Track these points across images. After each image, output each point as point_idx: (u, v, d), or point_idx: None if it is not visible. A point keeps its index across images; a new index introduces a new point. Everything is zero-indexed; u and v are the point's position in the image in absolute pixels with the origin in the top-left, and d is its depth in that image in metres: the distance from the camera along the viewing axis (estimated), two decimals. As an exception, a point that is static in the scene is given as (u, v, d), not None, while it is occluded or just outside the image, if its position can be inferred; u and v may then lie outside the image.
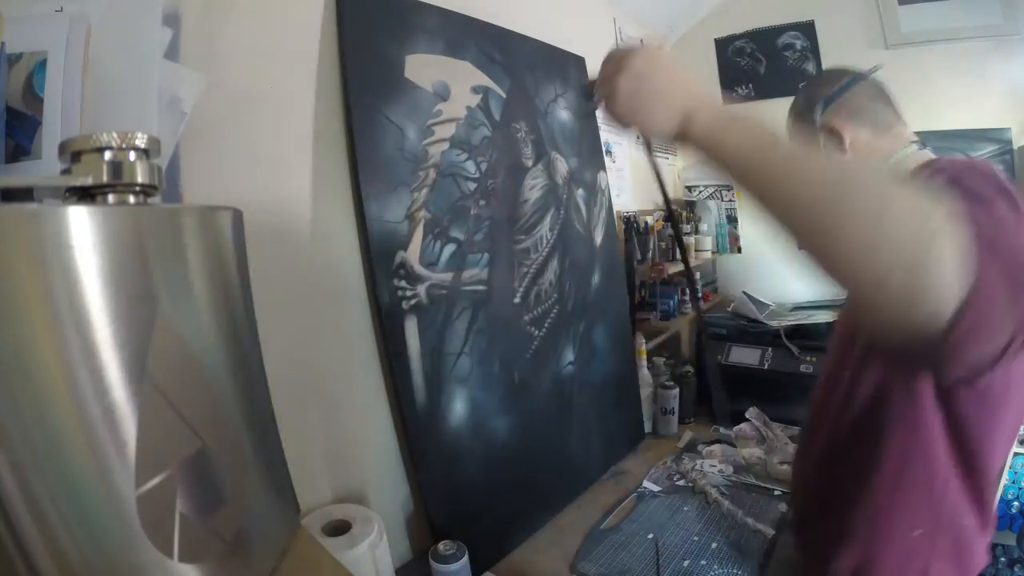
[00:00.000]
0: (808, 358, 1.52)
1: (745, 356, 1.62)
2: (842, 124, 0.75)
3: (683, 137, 0.54)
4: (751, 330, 1.65)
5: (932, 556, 0.69)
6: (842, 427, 0.75)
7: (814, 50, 1.92)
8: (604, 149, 1.52)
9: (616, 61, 0.56)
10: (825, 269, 0.45)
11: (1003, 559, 1.75)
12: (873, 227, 0.41)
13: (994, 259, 0.42)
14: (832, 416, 0.77)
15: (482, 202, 1.10)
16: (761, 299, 1.76)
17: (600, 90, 0.58)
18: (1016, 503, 1.73)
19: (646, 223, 1.67)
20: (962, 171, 0.54)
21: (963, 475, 0.66)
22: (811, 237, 0.46)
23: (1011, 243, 0.45)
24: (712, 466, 1.33)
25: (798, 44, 1.95)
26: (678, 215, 1.84)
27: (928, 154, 0.75)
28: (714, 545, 1.05)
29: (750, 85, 2.06)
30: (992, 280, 0.42)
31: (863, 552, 0.71)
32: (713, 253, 1.98)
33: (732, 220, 2.10)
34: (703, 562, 1.00)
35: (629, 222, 1.62)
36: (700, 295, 1.65)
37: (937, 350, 0.46)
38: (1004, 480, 1.70)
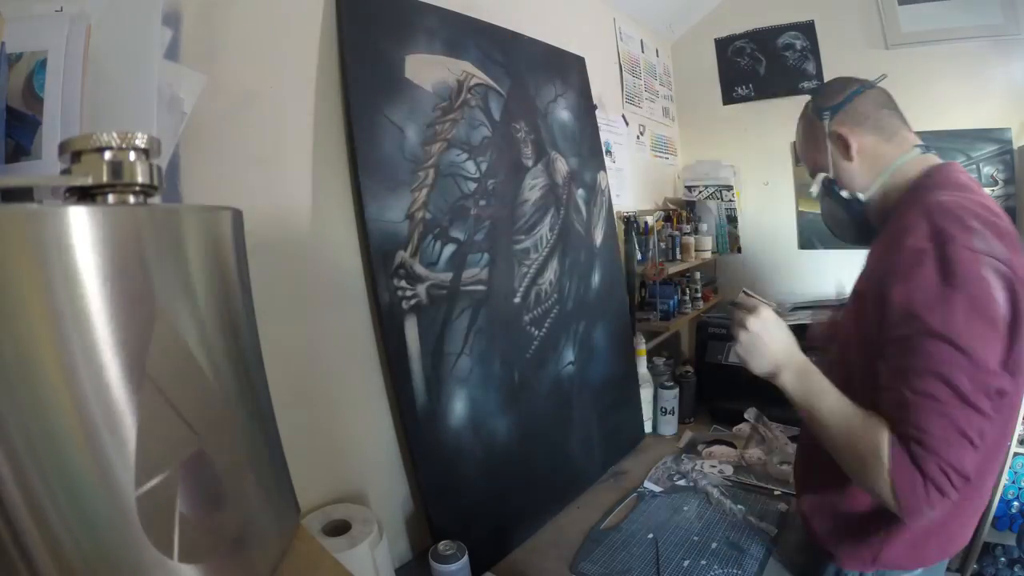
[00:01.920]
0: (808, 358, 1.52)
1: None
2: (848, 131, 0.80)
3: (773, 380, 0.78)
4: (751, 330, 1.65)
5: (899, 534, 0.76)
6: None
7: (814, 50, 1.92)
8: (604, 149, 1.52)
9: (739, 318, 0.81)
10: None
11: (1003, 559, 1.75)
12: (857, 468, 0.70)
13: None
14: None
15: (482, 202, 1.10)
16: (761, 299, 1.76)
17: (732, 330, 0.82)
18: (1016, 503, 1.73)
19: (646, 223, 1.67)
20: (951, 260, 0.63)
21: None
22: (836, 457, 0.73)
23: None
24: (712, 466, 1.33)
25: (798, 44, 1.95)
26: (677, 214, 1.84)
27: (932, 158, 0.79)
28: (714, 545, 1.04)
29: (750, 85, 2.06)
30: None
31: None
32: (713, 253, 1.98)
33: (732, 220, 2.10)
34: (703, 562, 1.00)
35: (629, 222, 1.62)
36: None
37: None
38: (1004, 480, 1.70)
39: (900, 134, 0.80)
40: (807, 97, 0.90)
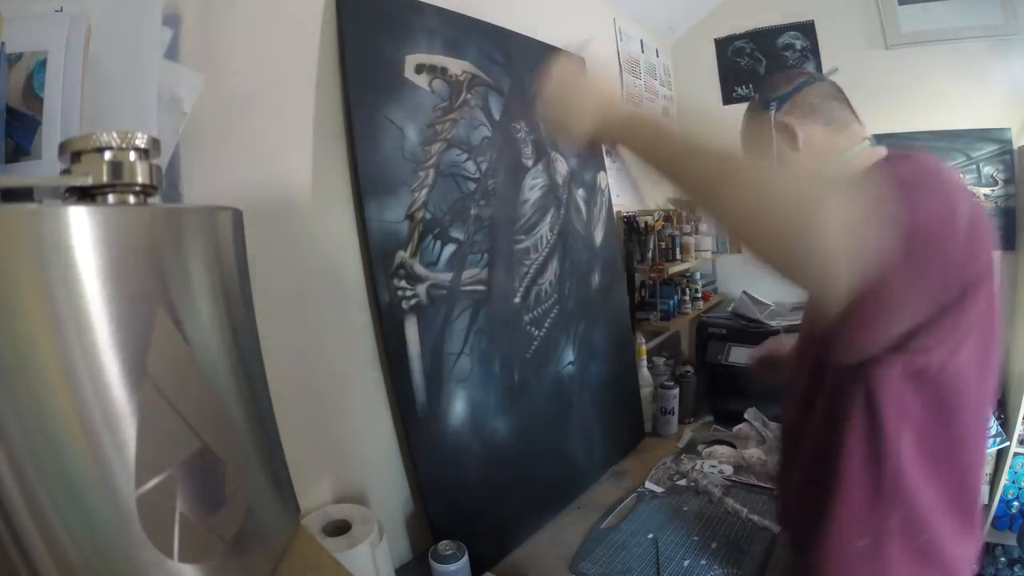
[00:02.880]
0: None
1: (745, 356, 1.62)
2: (795, 121, 0.77)
3: (600, 138, 0.60)
4: (751, 330, 1.65)
5: (889, 562, 0.67)
6: (808, 432, 0.75)
7: (814, 50, 1.92)
8: (604, 149, 1.52)
9: (540, 77, 0.62)
10: (724, 230, 0.58)
11: (1003, 559, 1.75)
12: (756, 198, 0.46)
13: (901, 240, 0.46)
14: (800, 422, 0.77)
15: (482, 202, 1.10)
16: (761, 299, 1.76)
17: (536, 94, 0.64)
18: (1016, 503, 1.73)
19: (646, 223, 1.67)
20: (907, 163, 0.59)
21: (925, 475, 0.65)
22: (711, 206, 0.53)
23: (925, 229, 0.50)
24: (712, 466, 1.33)
25: (798, 44, 1.95)
26: (678, 215, 1.84)
27: (882, 150, 0.76)
28: (714, 545, 1.04)
29: (750, 85, 2.06)
30: (895, 258, 0.46)
31: (823, 555, 0.71)
32: (713, 253, 1.98)
33: (732, 220, 2.10)
34: (703, 562, 1.00)
35: (629, 222, 1.62)
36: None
37: (845, 325, 0.51)
38: (1004, 480, 1.70)
39: (851, 127, 0.78)
40: None
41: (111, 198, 0.38)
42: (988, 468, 1.74)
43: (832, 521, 0.68)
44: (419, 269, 0.98)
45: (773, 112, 0.78)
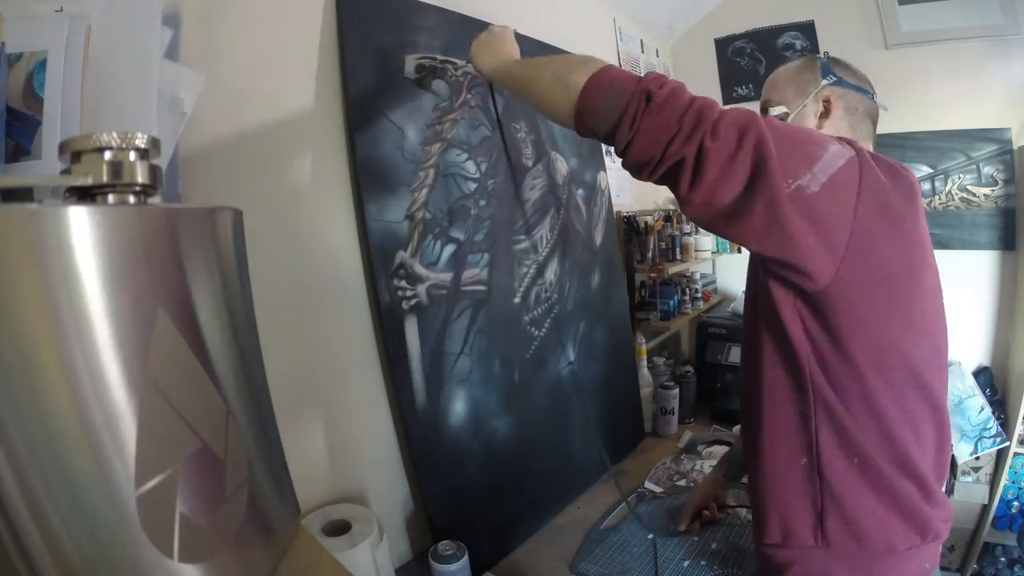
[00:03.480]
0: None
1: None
2: (835, 106, 0.78)
3: (495, 76, 0.84)
4: (751, 330, 1.65)
5: (821, 496, 0.69)
6: (747, 395, 0.79)
7: (814, 50, 1.92)
8: (604, 149, 1.52)
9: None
10: (544, 113, 0.73)
11: (1003, 559, 1.75)
12: (560, 89, 0.67)
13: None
14: (746, 390, 0.80)
15: (482, 202, 1.10)
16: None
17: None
18: (1016, 503, 1.73)
19: (646, 223, 1.67)
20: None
21: (838, 398, 0.67)
22: (542, 101, 0.72)
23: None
24: (712, 465, 1.33)
25: (798, 44, 1.95)
26: (677, 214, 1.84)
27: None
28: (714, 545, 1.05)
29: (750, 85, 2.06)
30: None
31: (767, 486, 0.74)
32: (713, 253, 1.98)
33: (732, 220, 2.10)
34: (703, 562, 1.00)
35: (629, 222, 1.62)
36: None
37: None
38: (1004, 480, 1.70)
39: (865, 144, 0.78)
40: None
41: (111, 198, 0.38)
42: (988, 468, 1.74)
43: (769, 442, 0.73)
44: (419, 269, 0.98)
45: (827, 81, 0.79)
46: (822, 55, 0.83)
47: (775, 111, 0.81)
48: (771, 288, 0.68)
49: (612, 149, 0.66)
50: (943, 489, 0.73)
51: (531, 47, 1.29)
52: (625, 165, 0.66)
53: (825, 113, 0.78)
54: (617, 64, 1.76)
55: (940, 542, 0.72)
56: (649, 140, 0.60)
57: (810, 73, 0.81)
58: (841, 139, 0.65)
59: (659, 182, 0.63)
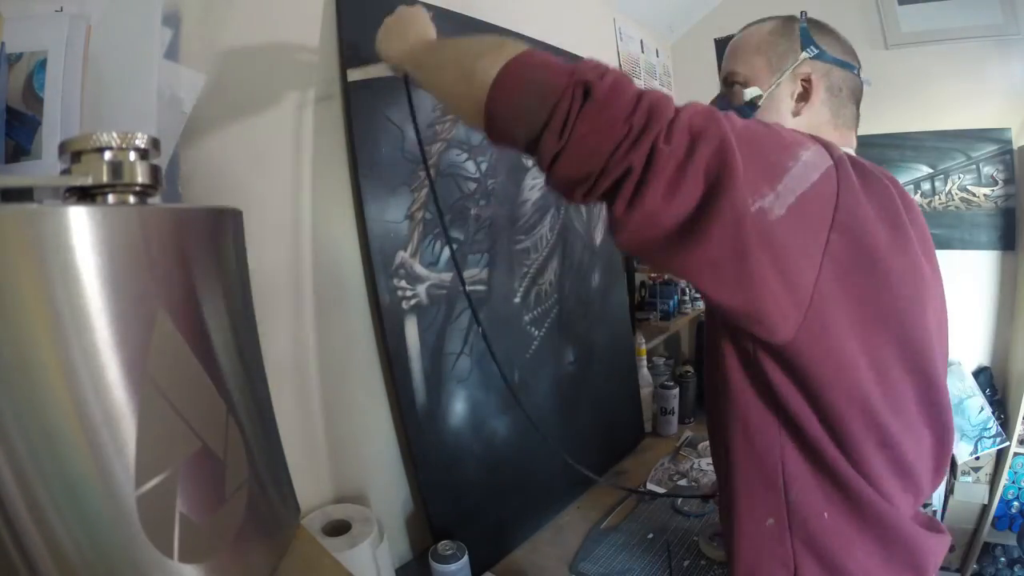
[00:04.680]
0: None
1: None
2: (815, 85, 0.66)
3: (402, 65, 0.71)
4: (751, 330, 1.65)
5: (795, 556, 0.59)
6: (712, 420, 0.69)
7: (814, 50, 1.92)
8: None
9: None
10: (450, 112, 0.66)
11: (1003, 559, 1.75)
12: (464, 84, 0.53)
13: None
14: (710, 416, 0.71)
15: (482, 202, 1.10)
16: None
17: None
18: (1016, 503, 1.73)
19: (646, 223, 1.67)
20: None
21: (802, 461, 0.58)
22: (446, 97, 0.62)
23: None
24: (710, 464, 1.33)
25: (798, 44, 1.95)
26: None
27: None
28: (715, 545, 1.04)
29: (750, 85, 2.06)
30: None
31: (735, 547, 0.64)
32: (713, 253, 1.98)
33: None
34: (703, 562, 1.00)
35: (629, 222, 1.62)
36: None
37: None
38: (1004, 480, 1.70)
39: (847, 133, 0.69)
40: None
41: (111, 198, 0.38)
42: (988, 468, 1.74)
43: (737, 496, 0.62)
44: (419, 269, 0.98)
45: (807, 54, 0.66)
46: (800, 16, 0.69)
47: (748, 93, 0.67)
48: (728, 333, 0.58)
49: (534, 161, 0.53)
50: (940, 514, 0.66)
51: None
52: (551, 183, 0.51)
53: (804, 95, 0.66)
54: (617, 65, 1.76)
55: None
56: (587, 149, 0.45)
57: (786, 42, 0.67)
58: (815, 139, 0.53)
59: (591, 202, 0.49)
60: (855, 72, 0.69)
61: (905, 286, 0.55)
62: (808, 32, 0.67)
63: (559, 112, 0.46)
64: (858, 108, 0.71)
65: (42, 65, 0.56)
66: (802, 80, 0.66)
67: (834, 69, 0.67)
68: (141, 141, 0.38)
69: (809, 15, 0.71)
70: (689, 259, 0.46)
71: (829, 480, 0.57)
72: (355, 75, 0.87)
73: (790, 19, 0.70)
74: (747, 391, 0.57)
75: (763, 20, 0.73)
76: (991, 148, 1.73)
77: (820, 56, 0.66)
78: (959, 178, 1.78)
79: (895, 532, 0.59)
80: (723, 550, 0.98)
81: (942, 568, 0.87)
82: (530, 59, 0.50)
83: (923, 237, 0.61)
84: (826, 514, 0.58)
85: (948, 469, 0.67)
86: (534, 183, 1.23)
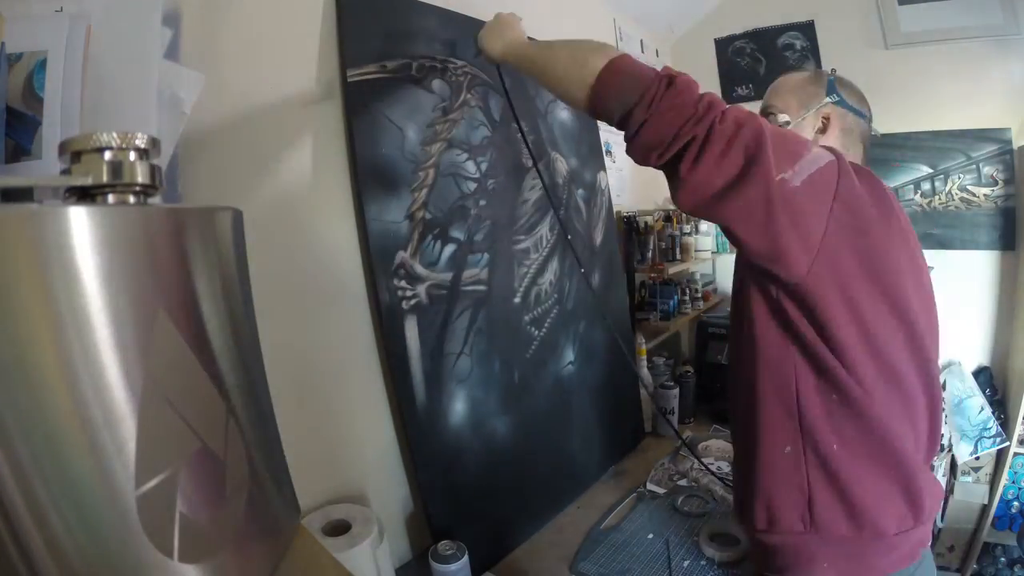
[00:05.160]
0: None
1: None
2: (834, 124, 0.81)
3: (503, 59, 0.89)
4: (751, 330, 1.65)
5: (809, 482, 0.71)
6: (737, 364, 0.80)
7: (814, 50, 1.92)
8: (604, 149, 1.52)
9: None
10: (555, 92, 0.77)
11: (1003, 559, 1.75)
12: (576, 70, 0.71)
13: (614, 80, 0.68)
14: (733, 376, 0.82)
15: (482, 202, 1.10)
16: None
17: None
18: (1016, 503, 1.73)
19: (646, 223, 1.67)
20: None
21: (818, 399, 0.69)
22: (557, 80, 0.75)
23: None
24: (710, 463, 1.33)
25: (798, 44, 1.95)
26: (677, 214, 1.84)
27: None
28: (715, 545, 1.04)
29: (750, 85, 2.06)
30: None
31: (757, 478, 0.74)
32: (713, 253, 1.98)
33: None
34: (702, 562, 1.00)
35: (629, 222, 1.62)
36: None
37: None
38: (1004, 480, 1.70)
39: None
40: None
41: (111, 198, 0.37)
42: (988, 468, 1.74)
43: (758, 428, 0.74)
44: (419, 269, 0.98)
45: (830, 99, 0.82)
46: (829, 72, 0.86)
47: (779, 119, 0.84)
48: (755, 279, 0.72)
49: (609, 147, 0.70)
50: (937, 469, 0.75)
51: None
52: (633, 148, 0.68)
53: (823, 129, 0.82)
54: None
55: (931, 523, 0.73)
56: (666, 121, 0.63)
57: (815, 88, 0.84)
58: (823, 146, 0.69)
59: (660, 166, 0.67)
60: (867, 121, 0.85)
61: (889, 254, 0.69)
62: (834, 84, 0.84)
63: (648, 94, 0.64)
64: (866, 151, 0.85)
65: (42, 65, 0.56)
66: (823, 118, 0.82)
67: (849, 114, 0.82)
68: (141, 141, 0.38)
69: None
70: (730, 209, 0.63)
71: (836, 401, 0.69)
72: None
73: (821, 72, 0.87)
74: (770, 328, 0.71)
75: (801, 69, 0.91)
76: (991, 148, 1.73)
77: (840, 103, 0.82)
78: (959, 178, 1.78)
79: (897, 464, 0.69)
80: (723, 550, 1.00)
81: (942, 568, 0.88)
82: (629, 58, 0.70)
83: (906, 229, 0.75)
84: (835, 445, 0.69)
85: (941, 429, 0.76)
86: (534, 183, 1.23)
